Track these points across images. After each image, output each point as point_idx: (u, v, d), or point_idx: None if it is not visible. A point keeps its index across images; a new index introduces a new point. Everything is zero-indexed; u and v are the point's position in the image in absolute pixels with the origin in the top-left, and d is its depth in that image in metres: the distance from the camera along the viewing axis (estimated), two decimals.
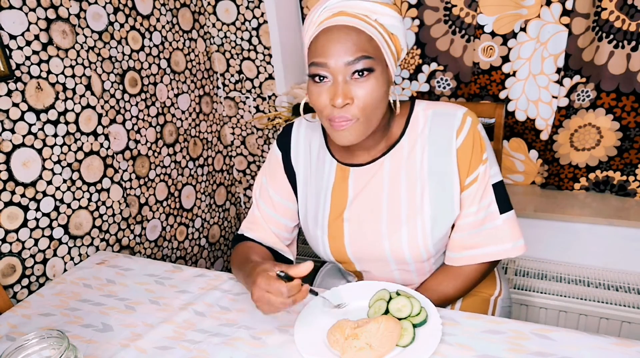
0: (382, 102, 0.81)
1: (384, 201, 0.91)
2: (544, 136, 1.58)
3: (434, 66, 1.61)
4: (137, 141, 1.42)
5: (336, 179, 0.95)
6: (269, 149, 1.84)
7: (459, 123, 0.87)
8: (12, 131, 1.07)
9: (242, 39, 1.68)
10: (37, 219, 1.13)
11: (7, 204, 1.07)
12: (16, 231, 1.09)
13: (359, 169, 0.93)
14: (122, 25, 1.34)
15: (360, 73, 0.77)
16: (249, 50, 1.69)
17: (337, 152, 0.96)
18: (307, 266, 0.76)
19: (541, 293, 1.46)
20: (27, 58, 1.09)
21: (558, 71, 1.48)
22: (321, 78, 0.79)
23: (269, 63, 1.69)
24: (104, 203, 1.31)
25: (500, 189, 0.90)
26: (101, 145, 1.29)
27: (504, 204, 0.90)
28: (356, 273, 1.01)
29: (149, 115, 1.46)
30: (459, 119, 0.87)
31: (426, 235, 0.88)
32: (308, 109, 1.61)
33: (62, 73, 1.17)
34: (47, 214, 1.16)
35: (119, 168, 1.36)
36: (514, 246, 0.90)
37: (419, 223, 0.88)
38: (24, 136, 1.09)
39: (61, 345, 0.69)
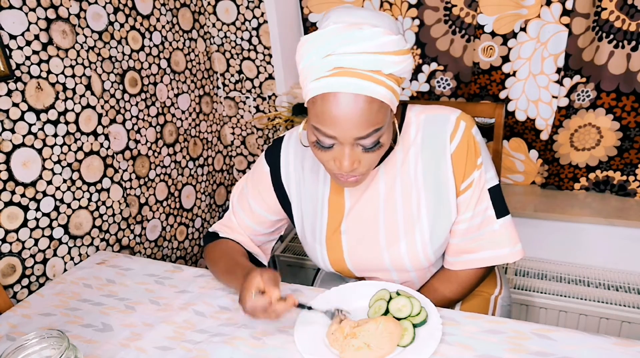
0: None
1: (381, 211, 0.90)
2: (544, 136, 1.58)
3: (434, 65, 1.61)
4: (137, 141, 1.42)
5: (332, 190, 0.93)
6: None
7: (452, 127, 0.85)
8: (12, 131, 1.07)
9: (242, 39, 1.68)
10: (37, 219, 1.13)
11: (7, 204, 1.07)
12: (16, 231, 1.09)
13: None
14: (122, 25, 1.34)
15: (370, 148, 0.76)
16: (249, 50, 1.69)
17: None
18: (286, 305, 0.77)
19: (541, 293, 1.46)
20: (27, 58, 1.09)
21: (558, 70, 1.48)
22: (326, 146, 0.77)
23: (269, 63, 1.69)
24: (104, 203, 1.31)
25: (496, 194, 0.89)
26: (101, 145, 1.29)
27: (501, 209, 0.89)
28: (357, 279, 1.00)
29: (149, 115, 1.46)
30: (452, 123, 0.85)
31: (425, 243, 0.87)
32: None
33: (62, 73, 1.17)
34: (47, 214, 1.16)
35: (119, 167, 1.36)
36: (511, 251, 0.89)
37: (417, 232, 0.87)
38: (24, 136, 1.09)
39: (61, 345, 0.69)
